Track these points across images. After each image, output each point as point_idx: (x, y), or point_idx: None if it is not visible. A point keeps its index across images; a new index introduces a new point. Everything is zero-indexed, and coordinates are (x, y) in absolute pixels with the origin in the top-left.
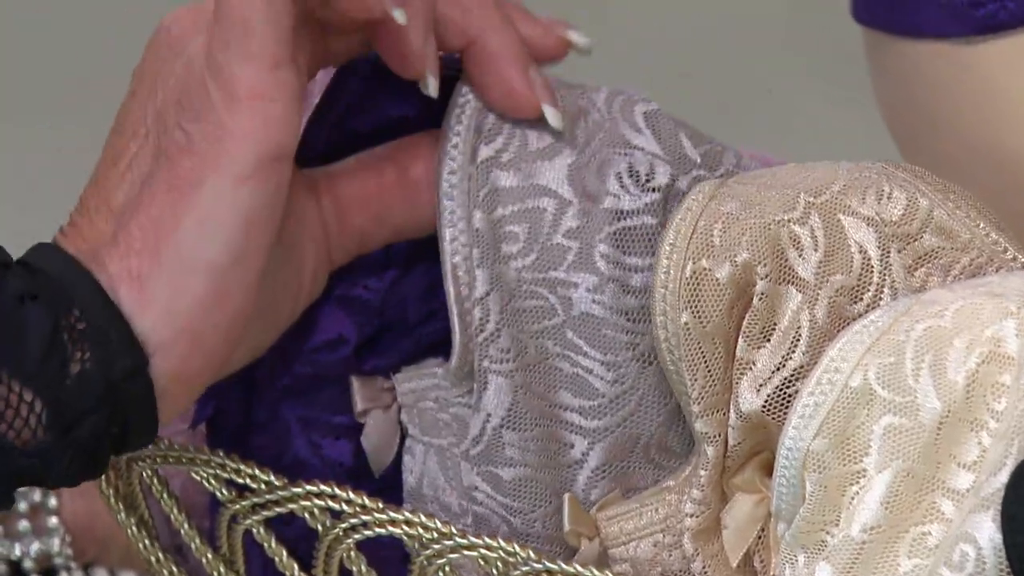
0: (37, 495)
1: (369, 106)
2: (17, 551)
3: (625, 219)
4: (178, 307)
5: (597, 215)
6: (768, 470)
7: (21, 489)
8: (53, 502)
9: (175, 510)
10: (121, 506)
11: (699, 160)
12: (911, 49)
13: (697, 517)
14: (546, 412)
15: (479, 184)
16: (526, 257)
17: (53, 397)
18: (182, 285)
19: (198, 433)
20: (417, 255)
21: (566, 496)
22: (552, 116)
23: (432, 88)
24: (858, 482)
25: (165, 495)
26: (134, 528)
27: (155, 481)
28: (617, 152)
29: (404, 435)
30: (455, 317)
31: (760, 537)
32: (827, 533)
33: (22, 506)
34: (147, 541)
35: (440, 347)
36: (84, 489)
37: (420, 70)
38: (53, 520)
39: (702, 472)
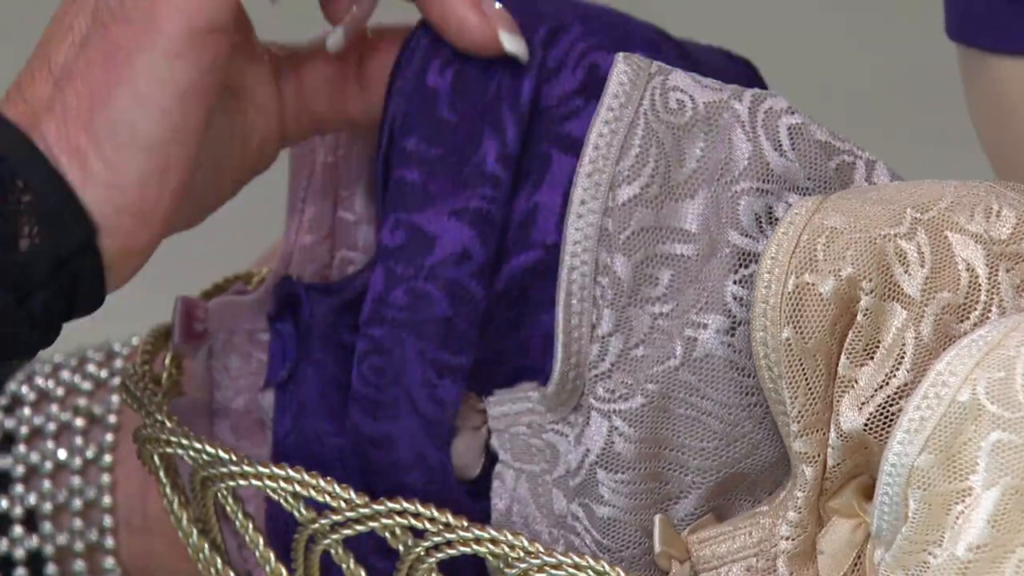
0: (94, 534)
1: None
2: None
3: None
4: (119, 182)
5: (731, 255)
6: (867, 494)
7: (77, 527)
8: (110, 542)
9: (251, 529)
10: (194, 529)
11: (835, 177)
12: (1010, 67)
13: (793, 540)
14: (647, 454)
15: (621, 225)
16: (665, 304)
17: (2, 274)
18: (120, 161)
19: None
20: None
21: (657, 517)
22: (511, 42)
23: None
24: (964, 500)
25: (240, 515)
26: (207, 552)
27: (229, 501)
28: (757, 188)
29: (494, 460)
30: (559, 347)
31: (856, 564)
32: (929, 554)
33: (78, 546)
34: (219, 566)
35: (531, 372)
36: (142, 528)
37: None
38: (109, 560)
39: (799, 493)
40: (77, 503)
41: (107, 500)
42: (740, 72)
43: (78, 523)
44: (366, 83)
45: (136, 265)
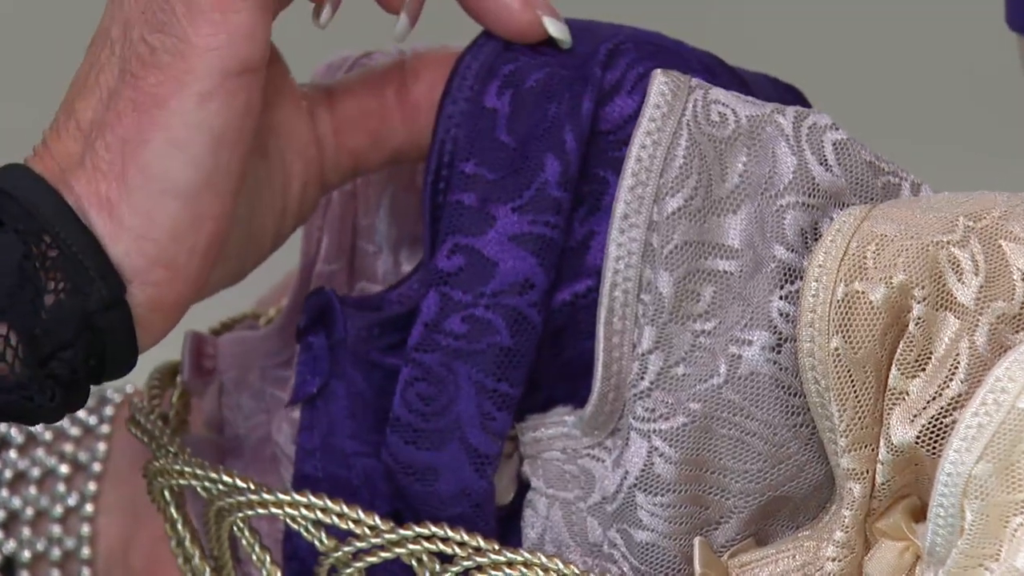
0: None
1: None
2: None
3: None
4: (151, 233)
5: (777, 270)
6: (916, 516)
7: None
8: None
9: (268, 563)
10: (207, 567)
11: (881, 196)
12: None
13: (839, 561)
14: (688, 476)
15: (665, 238)
16: (708, 322)
17: (28, 330)
18: (153, 210)
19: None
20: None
21: (697, 540)
22: (554, 27)
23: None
24: (1023, 512)
25: (257, 548)
26: None
27: (246, 533)
28: (803, 202)
29: (526, 487)
30: (599, 366)
31: None
32: (986, 568)
33: None
34: None
35: (565, 398)
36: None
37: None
38: None
39: (846, 512)
40: (56, 553)
41: (86, 551)
42: (790, 101)
43: (56, 574)
44: (411, 110)
45: (168, 322)
